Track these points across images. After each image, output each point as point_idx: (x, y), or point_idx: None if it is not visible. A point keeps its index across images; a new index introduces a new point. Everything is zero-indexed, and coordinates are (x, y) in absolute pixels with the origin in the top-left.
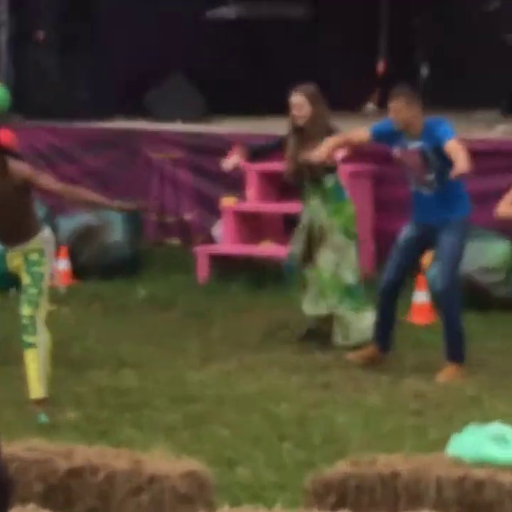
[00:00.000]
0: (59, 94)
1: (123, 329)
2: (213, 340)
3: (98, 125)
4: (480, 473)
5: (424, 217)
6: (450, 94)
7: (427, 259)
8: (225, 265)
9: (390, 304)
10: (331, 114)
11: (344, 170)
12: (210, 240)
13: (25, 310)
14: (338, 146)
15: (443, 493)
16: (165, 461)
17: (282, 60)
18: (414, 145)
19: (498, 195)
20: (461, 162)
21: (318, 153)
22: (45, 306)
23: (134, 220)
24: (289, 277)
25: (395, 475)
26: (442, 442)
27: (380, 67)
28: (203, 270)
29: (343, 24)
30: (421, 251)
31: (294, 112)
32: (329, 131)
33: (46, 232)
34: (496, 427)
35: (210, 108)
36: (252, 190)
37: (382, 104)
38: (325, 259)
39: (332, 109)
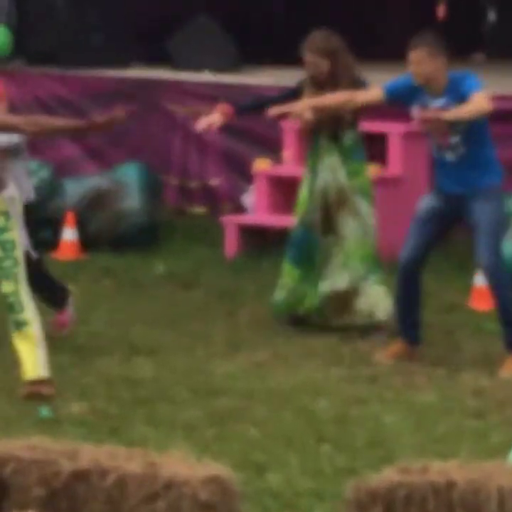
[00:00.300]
0: (66, 37)
1: (137, 310)
2: (242, 325)
3: (111, 74)
4: None
5: (449, 186)
6: None
7: None
8: (256, 238)
9: (412, 287)
10: (373, 65)
11: (396, 130)
12: (240, 208)
13: (6, 287)
14: (334, 105)
15: (506, 506)
16: (184, 464)
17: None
18: (437, 103)
19: None
20: (462, 108)
21: (299, 109)
22: (24, 277)
23: (152, 184)
24: (300, 252)
25: (450, 484)
26: (505, 448)
27: (440, 11)
28: (231, 243)
29: None
30: (446, 225)
31: (308, 71)
32: (355, 84)
33: (10, 190)
34: None
35: (242, 56)
36: (289, 152)
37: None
38: (348, 225)
39: (381, 60)
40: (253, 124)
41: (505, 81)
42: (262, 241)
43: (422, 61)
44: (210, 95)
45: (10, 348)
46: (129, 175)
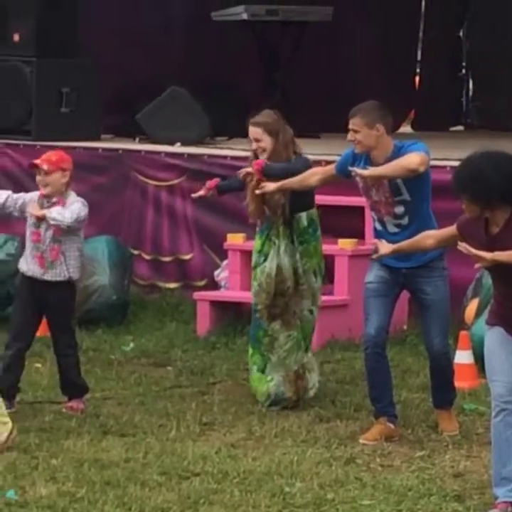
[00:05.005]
0: (36, 108)
1: (107, 389)
2: (215, 404)
3: (82, 145)
4: None
5: (392, 260)
6: (499, 114)
7: (470, 310)
8: (229, 314)
9: (385, 363)
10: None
11: None
12: (213, 284)
13: None
14: (297, 186)
15: None
16: None
17: (302, 70)
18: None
19: None
20: (383, 167)
21: (268, 188)
22: None
23: (123, 259)
24: (255, 335)
25: None
26: None
27: (418, 82)
28: (203, 320)
29: (375, 30)
30: (396, 296)
31: (254, 145)
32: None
33: None
34: None
35: (215, 128)
36: None
37: (421, 127)
38: (303, 306)
39: None
40: (226, 198)
41: None
42: (236, 317)
43: (359, 129)
44: (181, 167)
45: None
46: (99, 249)
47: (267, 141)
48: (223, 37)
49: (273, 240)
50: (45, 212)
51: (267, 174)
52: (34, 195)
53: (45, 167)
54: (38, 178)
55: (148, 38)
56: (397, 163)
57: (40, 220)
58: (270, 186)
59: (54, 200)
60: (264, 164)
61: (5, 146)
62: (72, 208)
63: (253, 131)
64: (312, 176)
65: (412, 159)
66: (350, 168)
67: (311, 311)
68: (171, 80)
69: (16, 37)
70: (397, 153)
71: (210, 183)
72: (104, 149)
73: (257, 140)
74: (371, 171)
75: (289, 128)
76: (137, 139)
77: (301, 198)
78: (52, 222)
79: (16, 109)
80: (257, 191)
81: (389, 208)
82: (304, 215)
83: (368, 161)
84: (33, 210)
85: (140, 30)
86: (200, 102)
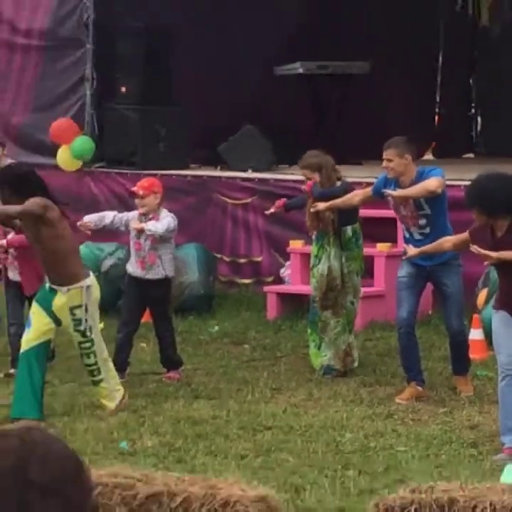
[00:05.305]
0: (139, 145)
1: (197, 363)
2: (281, 374)
3: (175, 173)
4: None
5: (418, 260)
6: (502, 143)
7: (481, 298)
8: (292, 304)
9: (414, 340)
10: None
11: None
12: (279, 280)
13: (87, 360)
14: (342, 205)
15: None
16: (237, 487)
17: (347, 113)
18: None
19: None
20: (409, 189)
21: (319, 207)
22: (100, 349)
23: (208, 261)
24: (313, 320)
25: (451, 501)
26: (496, 471)
27: (437, 120)
28: (271, 308)
29: (404, 80)
30: (422, 286)
31: (307, 182)
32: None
33: (88, 280)
34: None
35: (279, 157)
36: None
37: (440, 155)
38: (348, 299)
39: None
40: (290, 212)
41: None
42: (297, 306)
43: (392, 159)
44: (253, 189)
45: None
46: (190, 254)
47: (315, 177)
48: (284, 88)
49: (325, 247)
50: (144, 225)
51: (315, 194)
52: (135, 213)
53: (140, 193)
54: (136, 201)
55: (228, 89)
56: (420, 186)
57: (140, 232)
58: (321, 206)
59: (150, 216)
60: (313, 185)
61: (116, 175)
62: (164, 221)
63: (303, 172)
64: (354, 197)
65: (432, 183)
66: (383, 191)
67: (352, 303)
68: (245, 122)
69: (123, 89)
70: (420, 177)
71: (279, 202)
72: (192, 176)
73: (308, 178)
74: (399, 192)
75: (330, 158)
76: (219, 167)
77: (347, 215)
78: (148, 233)
79: (124, 145)
80: (312, 210)
81: (414, 221)
82: (349, 228)
83: (397, 184)
84: (135, 224)
85: (222, 84)
86: (267, 139)
